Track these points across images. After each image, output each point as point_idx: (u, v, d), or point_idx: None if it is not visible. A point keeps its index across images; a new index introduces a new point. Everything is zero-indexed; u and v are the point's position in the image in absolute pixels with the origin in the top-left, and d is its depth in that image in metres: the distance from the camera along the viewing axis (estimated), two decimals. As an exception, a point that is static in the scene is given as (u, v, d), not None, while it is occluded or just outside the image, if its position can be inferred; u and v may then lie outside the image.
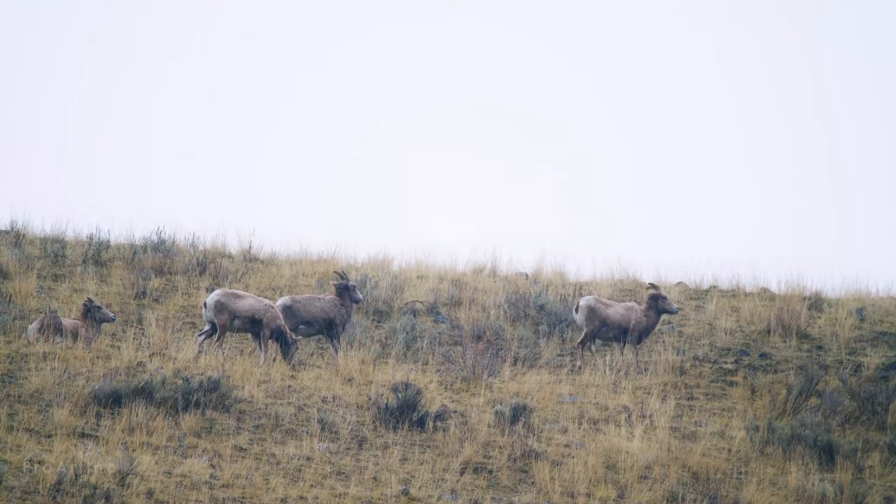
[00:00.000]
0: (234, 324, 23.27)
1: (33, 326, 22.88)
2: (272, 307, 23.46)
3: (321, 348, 24.98)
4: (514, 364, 24.19)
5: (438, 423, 20.38)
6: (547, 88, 50.89)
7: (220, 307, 23.20)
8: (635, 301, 27.19)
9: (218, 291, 23.34)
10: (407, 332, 25.36)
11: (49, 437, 18.69)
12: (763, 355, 25.12)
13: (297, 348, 23.51)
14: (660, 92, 50.88)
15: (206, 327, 23.40)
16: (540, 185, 48.67)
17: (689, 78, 51.20)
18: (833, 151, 49.73)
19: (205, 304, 23.27)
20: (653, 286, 25.10)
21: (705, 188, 49.00)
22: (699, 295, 29.10)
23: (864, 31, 51.22)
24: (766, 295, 28.87)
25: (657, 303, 24.93)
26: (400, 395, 20.40)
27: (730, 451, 20.44)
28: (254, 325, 23.32)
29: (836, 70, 51.29)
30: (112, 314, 23.63)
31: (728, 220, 47.00)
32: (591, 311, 24.76)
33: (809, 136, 50.41)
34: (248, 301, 23.32)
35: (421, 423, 20.33)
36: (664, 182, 49.52)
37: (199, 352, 22.92)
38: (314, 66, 51.45)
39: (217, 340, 23.19)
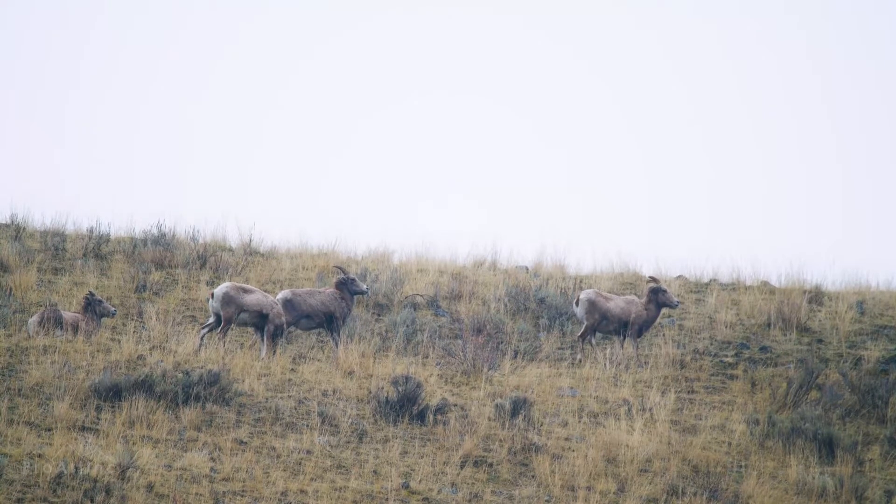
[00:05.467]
0: (240, 317, 23.32)
1: (33, 320, 22.88)
2: (277, 303, 23.54)
3: (321, 342, 24.99)
4: (515, 357, 24.19)
5: (439, 417, 20.39)
6: (553, 79, 50.87)
7: (227, 299, 23.25)
8: (636, 294, 27.18)
9: (227, 284, 23.41)
10: (407, 326, 25.36)
11: (49, 430, 18.69)
12: (763, 349, 25.12)
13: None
14: (665, 86, 50.86)
15: (211, 319, 23.43)
16: (542, 177, 48.66)
17: (695, 72, 51.18)
18: (833, 145, 49.71)
19: (212, 294, 23.32)
20: (653, 279, 25.10)
21: (705, 182, 48.99)
22: (699, 288, 29.10)
23: (870, 29, 51.19)
24: (766, 288, 28.87)
25: (657, 296, 24.93)
26: (400, 389, 20.41)
27: (730, 444, 20.44)
28: (261, 319, 23.40)
29: (838, 65, 51.28)
30: (113, 308, 23.64)
31: (728, 213, 46.99)
32: (592, 305, 24.76)
33: (810, 130, 50.40)
34: (256, 296, 23.40)
35: (421, 417, 20.34)
36: (665, 176, 49.51)
37: (201, 345, 22.94)
38: (313, 58, 51.42)
39: (220, 333, 23.21)
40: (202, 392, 20.00)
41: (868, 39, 51.24)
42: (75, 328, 23.06)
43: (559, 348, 25.45)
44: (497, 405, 20.70)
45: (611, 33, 51.58)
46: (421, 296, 27.38)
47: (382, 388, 21.06)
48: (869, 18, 51.26)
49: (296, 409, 20.38)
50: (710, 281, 29.75)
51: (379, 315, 26.81)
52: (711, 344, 25.47)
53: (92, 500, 16.79)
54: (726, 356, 24.79)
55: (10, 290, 25.46)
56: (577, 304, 24.88)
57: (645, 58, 51.11)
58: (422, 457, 19.17)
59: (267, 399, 20.59)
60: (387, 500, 17.78)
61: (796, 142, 50.08)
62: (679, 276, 29.98)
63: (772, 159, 49.56)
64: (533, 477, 18.91)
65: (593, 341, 25.07)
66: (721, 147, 50.06)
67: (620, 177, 49.44)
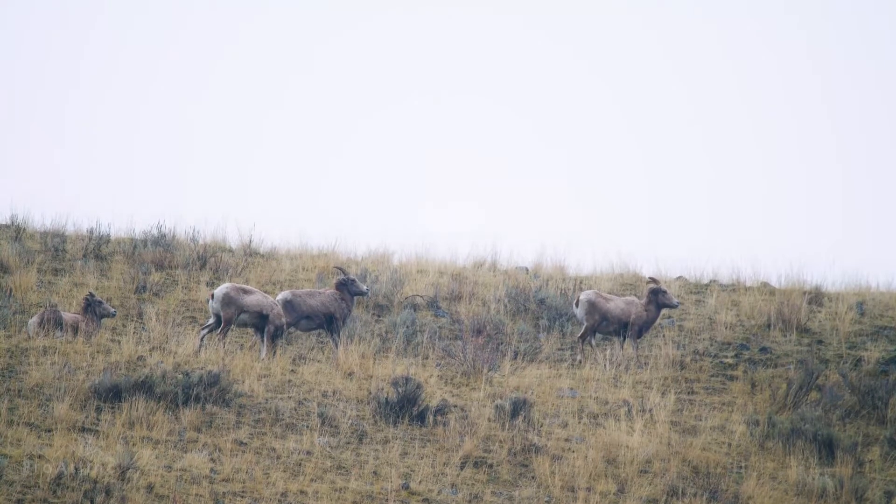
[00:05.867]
0: (240, 318, 23.33)
1: (33, 321, 22.88)
2: (277, 304, 23.54)
3: (321, 343, 24.99)
4: (515, 358, 24.19)
5: (439, 418, 20.38)
6: (553, 79, 50.87)
7: (227, 300, 23.25)
8: (635, 295, 27.18)
9: (227, 285, 23.41)
10: (407, 327, 25.36)
11: (49, 431, 18.69)
12: (763, 350, 25.12)
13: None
14: (665, 86, 50.85)
15: (211, 320, 23.42)
16: (542, 177, 48.66)
17: (695, 72, 51.17)
18: (833, 146, 49.71)
19: (212, 295, 23.31)
20: (653, 280, 25.10)
21: (705, 183, 48.99)
22: (699, 289, 29.10)
23: (870, 30, 51.18)
24: (766, 289, 28.87)
25: (657, 297, 24.92)
26: (400, 390, 20.40)
27: (730, 445, 20.44)
28: (261, 320, 23.40)
29: (838, 65, 51.28)
30: (113, 309, 23.63)
31: (728, 214, 47.00)
32: (592, 306, 24.75)
33: (810, 131, 50.39)
34: (256, 296, 23.40)
35: (421, 418, 20.33)
36: (665, 176, 49.51)
37: (200, 346, 22.94)
38: (313, 58, 51.41)
39: (220, 333, 23.21)
40: (202, 393, 20.00)
41: (868, 40, 51.22)
42: (75, 329, 23.06)
43: (559, 349, 25.45)
44: (497, 406, 20.69)
45: (611, 33, 51.58)
46: (421, 297, 27.38)
47: (382, 388, 21.06)
48: (869, 19, 51.25)
49: (296, 409, 20.38)
50: (710, 282, 29.75)
51: (379, 316, 26.81)
52: (711, 345, 25.47)
53: (92, 501, 16.79)
54: (726, 357, 24.79)
55: (10, 290, 25.46)
56: (576, 304, 24.88)
57: (645, 58, 51.10)
58: (422, 458, 19.17)
59: (267, 400, 20.59)
60: (387, 500, 17.78)
61: (796, 142, 50.08)
62: (679, 277, 29.98)
63: (772, 160, 49.55)
64: (533, 478, 18.91)
65: (593, 342, 25.06)
66: (721, 147, 50.06)
67: (620, 177, 49.43)
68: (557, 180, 48.42)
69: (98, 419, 19.32)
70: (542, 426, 20.53)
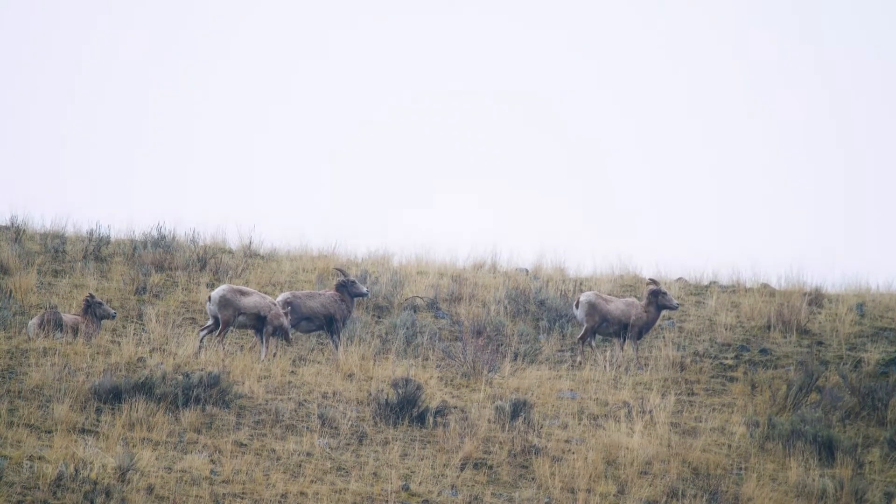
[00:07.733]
0: (238, 320, 23.30)
1: (33, 322, 22.88)
2: (276, 304, 23.50)
3: (321, 344, 24.98)
4: (515, 360, 24.19)
5: (439, 419, 20.38)
6: (555, 80, 50.88)
7: (224, 302, 23.22)
8: (635, 297, 27.17)
9: (223, 287, 23.36)
10: (407, 328, 25.35)
11: (49, 432, 18.69)
12: (763, 351, 25.12)
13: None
14: (666, 87, 50.87)
15: (209, 322, 23.41)
16: (543, 179, 48.68)
17: (697, 75, 51.19)
18: (833, 148, 49.72)
19: (209, 298, 23.29)
20: (653, 282, 25.10)
21: (706, 184, 49.00)
22: (699, 291, 29.10)
23: (873, 32, 51.20)
24: (766, 291, 28.87)
25: (657, 298, 24.92)
26: (400, 391, 20.40)
27: (730, 446, 20.44)
28: (259, 321, 23.37)
29: (841, 66, 51.30)
30: (113, 311, 23.62)
31: (728, 215, 47.00)
32: (592, 307, 24.75)
33: (808, 132, 50.40)
34: (254, 298, 23.36)
35: (421, 419, 20.33)
36: (665, 178, 49.52)
37: (200, 347, 22.93)
38: (312, 58, 51.43)
39: (218, 335, 23.20)
40: (202, 394, 20.00)
41: (870, 42, 51.24)
42: (75, 330, 23.06)
43: (559, 350, 25.44)
44: (497, 407, 20.69)
45: (612, 33, 51.59)
46: (421, 298, 27.38)
47: (382, 390, 21.06)
48: (873, 21, 51.27)
49: (296, 411, 20.38)
50: (710, 283, 29.75)
51: (379, 317, 26.81)
52: (711, 346, 25.47)
53: (92, 503, 16.79)
54: (726, 358, 24.79)
55: (11, 292, 25.46)
56: (576, 306, 24.88)
57: (646, 58, 51.12)
58: (422, 459, 19.17)
59: (267, 401, 20.59)
60: (387, 502, 17.78)
61: (796, 144, 50.09)
62: (679, 279, 29.98)
63: (772, 161, 49.57)
64: (533, 479, 18.91)
65: (593, 343, 25.05)
66: (721, 149, 50.08)
67: (620, 179, 49.45)
68: (557, 181, 48.42)
69: (98, 420, 19.32)
70: (542, 427, 20.53)
